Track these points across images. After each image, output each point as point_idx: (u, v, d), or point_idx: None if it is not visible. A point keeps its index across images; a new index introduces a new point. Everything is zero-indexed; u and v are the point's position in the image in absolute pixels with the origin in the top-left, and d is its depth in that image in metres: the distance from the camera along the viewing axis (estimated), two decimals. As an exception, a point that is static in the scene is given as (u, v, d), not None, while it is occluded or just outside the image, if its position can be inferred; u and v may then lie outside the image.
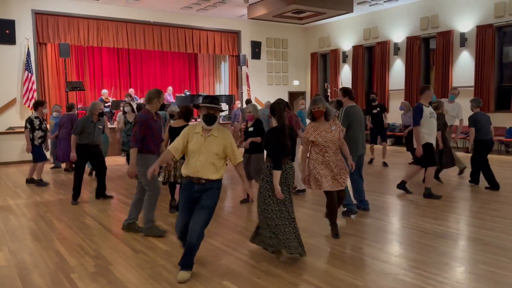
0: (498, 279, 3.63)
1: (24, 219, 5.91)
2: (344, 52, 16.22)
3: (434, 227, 5.11)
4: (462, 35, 12.31)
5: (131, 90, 14.95)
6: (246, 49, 16.43)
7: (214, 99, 3.77)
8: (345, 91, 5.78)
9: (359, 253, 4.37)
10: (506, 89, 11.86)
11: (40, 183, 8.21)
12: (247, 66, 16.23)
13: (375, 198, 6.62)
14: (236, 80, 16.78)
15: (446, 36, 12.74)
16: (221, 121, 13.39)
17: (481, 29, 11.85)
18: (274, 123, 4.14)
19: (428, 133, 6.30)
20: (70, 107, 9.19)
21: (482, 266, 3.91)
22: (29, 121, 8.04)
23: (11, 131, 11.68)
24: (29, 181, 8.40)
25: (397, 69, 14.41)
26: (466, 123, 7.64)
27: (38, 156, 8.19)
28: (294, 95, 17.87)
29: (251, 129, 6.23)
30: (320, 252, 4.38)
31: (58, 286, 3.68)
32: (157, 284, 3.69)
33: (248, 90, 16.23)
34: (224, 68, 17.27)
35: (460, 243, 4.62)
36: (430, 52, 13.84)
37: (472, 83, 12.08)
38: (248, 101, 13.54)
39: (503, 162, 10.05)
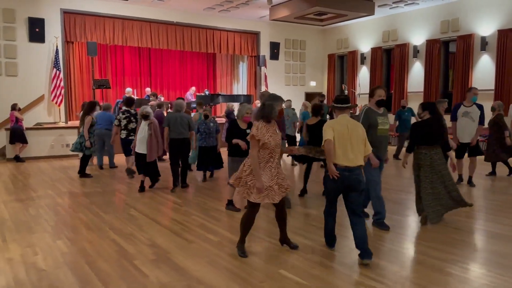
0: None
1: (71, 211, 6.17)
2: (362, 54, 16.39)
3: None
4: (483, 39, 12.45)
5: (147, 89, 15.27)
6: (265, 50, 16.65)
7: (345, 100, 4.22)
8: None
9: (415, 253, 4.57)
10: (527, 92, 11.99)
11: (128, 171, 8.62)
12: (265, 67, 16.45)
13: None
14: (255, 80, 17.01)
15: (466, 40, 12.87)
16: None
17: (502, 33, 11.98)
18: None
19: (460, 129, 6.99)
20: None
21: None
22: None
23: (39, 127, 11.99)
24: (128, 171, 8.64)
25: (416, 72, 14.56)
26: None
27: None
28: (311, 96, 18.04)
29: (248, 130, 5.68)
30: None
31: (124, 272, 3.92)
32: (217, 271, 3.91)
33: (266, 90, 16.42)
34: (242, 68, 17.50)
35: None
36: (449, 55, 13.97)
37: (493, 87, 12.21)
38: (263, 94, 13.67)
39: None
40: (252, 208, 4.24)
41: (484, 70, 12.61)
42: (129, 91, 14.76)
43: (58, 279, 3.73)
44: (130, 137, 8.30)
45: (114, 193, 7.28)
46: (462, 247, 4.59)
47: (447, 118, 7.26)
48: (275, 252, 4.39)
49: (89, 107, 8.76)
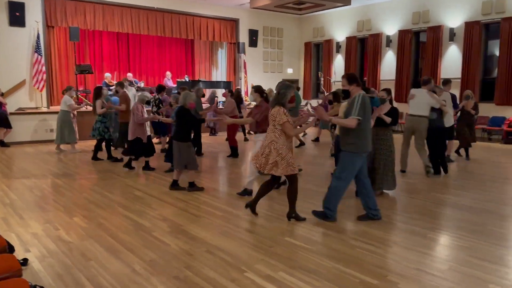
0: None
1: (76, 191, 6.47)
2: (337, 43, 17.01)
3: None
4: (451, 30, 13.29)
5: (129, 75, 15.37)
6: (243, 37, 16.99)
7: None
8: (350, 77, 4.82)
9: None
10: (489, 81, 12.94)
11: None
12: (244, 54, 16.82)
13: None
14: (234, 67, 17.36)
15: (436, 31, 13.68)
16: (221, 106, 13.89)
17: (469, 25, 12.83)
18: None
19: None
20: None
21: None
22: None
23: (21, 112, 11.97)
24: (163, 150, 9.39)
25: (389, 61, 15.32)
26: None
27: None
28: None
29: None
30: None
31: (146, 242, 4.34)
32: (230, 239, 4.40)
33: (245, 77, 16.84)
34: (221, 55, 17.79)
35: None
36: (420, 45, 14.79)
37: (459, 75, 13.10)
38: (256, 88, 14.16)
39: (486, 148, 11.12)
40: (294, 180, 4.87)
41: (451, 59, 13.48)
42: (108, 76, 14.85)
43: (87, 249, 4.12)
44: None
45: (112, 176, 7.58)
46: (439, 217, 5.26)
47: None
48: (278, 224, 4.91)
49: (96, 93, 8.97)
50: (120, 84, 9.42)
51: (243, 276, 3.53)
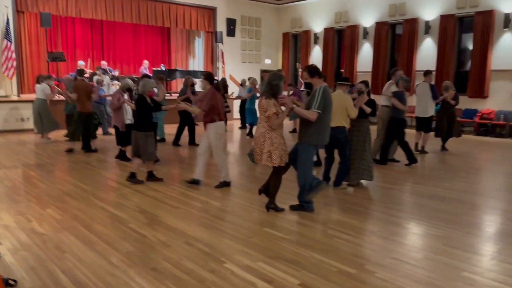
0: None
1: (48, 182, 6.29)
2: (315, 34, 17.03)
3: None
4: (427, 23, 13.49)
5: (103, 63, 15.01)
6: (221, 26, 16.79)
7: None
8: (311, 70, 4.79)
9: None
10: (463, 73, 13.23)
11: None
12: (222, 43, 16.65)
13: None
14: (211, 56, 17.17)
15: (412, 23, 13.86)
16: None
17: (444, 18, 13.05)
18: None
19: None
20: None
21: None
22: None
23: (-10, 100, 11.54)
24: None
25: (366, 52, 15.45)
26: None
27: None
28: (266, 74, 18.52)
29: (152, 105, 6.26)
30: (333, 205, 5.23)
31: (123, 233, 4.26)
32: (209, 230, 4.37)
33: (223, 66, 16.70)
34: (199, 44, 17.56)
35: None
36: (396, 38, 14.96)
37: (434, 68, 13.32)
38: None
39: (459, 140, 11.37)
40: (280, 172, 4.87)
41: (426, 52, 13.69)
42: (81, 64, 14.44)
43: (62, 242, 4.01)
44: None
45: (87, 166, 7.41)
46: (414, 207, 5.37)
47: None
48: (257, 215, 4.91)
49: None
50: (78, 72, 9.07)
51: (223, 266, 3.51)
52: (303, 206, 4.99)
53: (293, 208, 5.03)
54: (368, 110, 6.09)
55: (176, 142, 9.59)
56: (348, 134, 5.97)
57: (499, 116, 12.14)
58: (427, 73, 8.84)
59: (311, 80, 4.81)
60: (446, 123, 9.15)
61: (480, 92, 12.50)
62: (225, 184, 6.05)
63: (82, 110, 8.37)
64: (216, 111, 5.86)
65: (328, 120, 4.83)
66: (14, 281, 3.15)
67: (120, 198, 5.50)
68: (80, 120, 8.34)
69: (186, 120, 9.61)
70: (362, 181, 6.35)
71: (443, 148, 9.41)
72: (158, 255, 3.73)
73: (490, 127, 12.20)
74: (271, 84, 4.71)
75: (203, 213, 4.93)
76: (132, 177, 6.22)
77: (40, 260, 3.59)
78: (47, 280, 3.25)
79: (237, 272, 3.42)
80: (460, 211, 5.16)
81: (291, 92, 11.23)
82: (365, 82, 6.42)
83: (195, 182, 6.08)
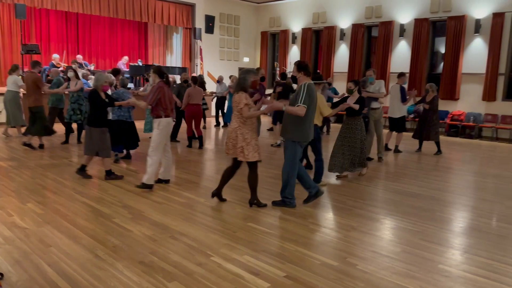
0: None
1: (26, 177, 6.18)
2: (293, 34, 17.22)
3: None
4: (402, 26, 13.87)
5: (79, 56, 14.74)
6: (200, 23, 16.77)
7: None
8: (300, 65, 4.97)
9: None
10: (436, 76, 13.68)
11: None
12: (201, 40, 16.62)
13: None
14: (190, 53, 17.11)
15: (387, 26, 14.22)
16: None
17: (418, 22, 13.46)
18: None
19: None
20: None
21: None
22: None
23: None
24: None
25: (342, 53, 15.75)
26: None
27: None
28: (243, 71, 18.58)
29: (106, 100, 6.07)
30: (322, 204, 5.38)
31: (108, 228, 4.26)
32: (194, 225, 4.42)
33: (201, 63, 16.67)
34: (176, 40, 17.46)
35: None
36: (372, 39, 15.31)
37: (408, 70, 13.73)
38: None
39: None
40: (255, 167, 4.96)
41: (401, 54, 14.09)
42: (56, 57, 14.14)
43: (46, 235, 3.99)
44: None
45: (64, 161, 7.31)
46: (391, 204, 5.56)
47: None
48: (241, 210, 4.99)
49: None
50: (33, 64, 8.60)
51: (209, 260, 3.58)
52: (285, 202, 5.11)
53: (275, 204, 5.15)
54: (356, 107, 6.40)
55: (173, 137, 9.54)
56: (346, 131, 6.54)
57: (469, 117, 12.63)
58: (400, 75, 9.12)
59: (297, 74, 4.97)
60: (419, 126, 9.45)
61: (452, 94, 12.96)
62: (146, 186, 5.62)
63: (29, 105, 8.02)
64: (163, 105, 5.61)
65: (312, 116, 4.96)
66: (1, 274, 3.12)
67: (102, 193, 5.47)
68: (30, 116, 8.01)
69: (180, 115, 9.60)
70: (337, 180, 6.61)
71: (419, 149, 9.72)
72: (144, 249, 3.76)
73: (460, 128, 12.68)
74: (239, 78, 4.93)
75: (187, 209, 4.97)
76: (82, 170, 6.17)
77: (25, 254, 3.57)
78: (33, 273, 3.25)
79: (224, 265, 3.50)
80: (434, 207, 5.40)
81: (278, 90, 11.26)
82: (355, 81, 6.67)
83: (160, 182, 5.98)
